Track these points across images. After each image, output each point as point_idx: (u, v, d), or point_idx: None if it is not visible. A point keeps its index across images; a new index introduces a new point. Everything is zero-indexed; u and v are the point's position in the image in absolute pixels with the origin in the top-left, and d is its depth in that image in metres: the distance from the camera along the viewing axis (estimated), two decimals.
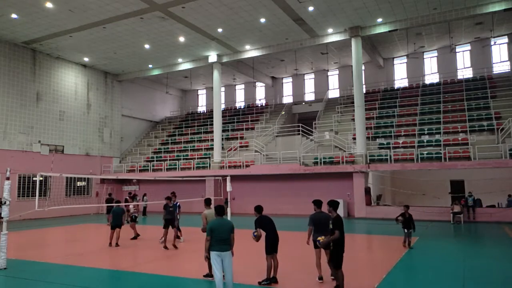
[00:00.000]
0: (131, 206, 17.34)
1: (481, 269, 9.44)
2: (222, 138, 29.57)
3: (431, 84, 29.23)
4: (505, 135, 21.05)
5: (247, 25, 23.23)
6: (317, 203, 8.11)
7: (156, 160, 31.22)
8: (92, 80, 31.12)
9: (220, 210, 6.93)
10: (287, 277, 8.40)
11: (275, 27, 23.57)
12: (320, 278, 7.99)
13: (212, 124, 30.11)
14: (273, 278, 7.95)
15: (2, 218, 16.97)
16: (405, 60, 30.96)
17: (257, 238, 7.85)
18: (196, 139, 32.63)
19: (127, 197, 23.20)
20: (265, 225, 7.98)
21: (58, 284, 8.32)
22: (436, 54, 30.13)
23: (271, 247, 7.95)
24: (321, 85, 34.15)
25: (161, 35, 24.60)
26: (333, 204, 7.34)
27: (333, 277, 7.78)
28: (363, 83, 25.24)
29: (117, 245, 13.31)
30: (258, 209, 8.24)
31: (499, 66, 28.38)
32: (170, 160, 30.59)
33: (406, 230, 12.01)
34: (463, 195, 21.77)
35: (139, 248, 13.16)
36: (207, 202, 9.45)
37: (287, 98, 35.91)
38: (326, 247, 7.33)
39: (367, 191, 22.74)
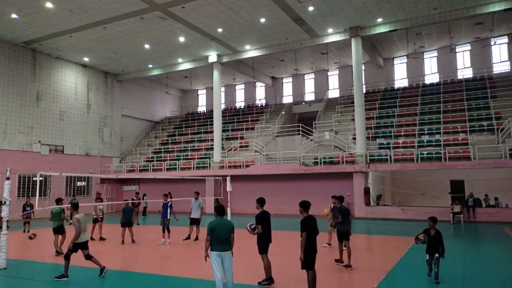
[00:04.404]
0: (98, 207, 15.02)
1: (481, 269, 9.45)
2: (222, 138, 29.56)
3: (431, 84, 29.24)
4: (505, 135, 21.04)
5: (247, 25, 23.23)
6: (340, 198, 10.33)
7: (156, 160, 31.23)
8: (92, 80, 31.12)
9: (220, 210, 6.91)
10: (288, 276, 8.40)
11: (275, 27, 23.57)
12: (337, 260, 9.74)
13: (212, 124, 30.12)
14: (271, 278, 7.95)
15: (30, 218, 17.11)
16: (405, 60, 30.96)
17: (254, 232, 7.75)
18: (196, 139, 32.63)
19: (134, 197, 23.25)
20: (265, 222, 7.91)
21: (58, 284, 8.32)
22: (436, 54, 30.13)
23: (266, 246, 7.92)
24: (321, 85, 34.16)
25: (161, 35, 24.60)
26: (304, 205, 7.06)
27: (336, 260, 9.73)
28: (363, 83, 25.24)
29: (133, 241, 13.87)
30: (261, 202, 8.07)
31: (499, 66, 28.39)
32: (170, 160, 30.59)
33: (428, 256, 8.29)
34: (463, 195, 21.77)
35: (139, 248, 13.17)
36: (75, 206, 9.11)
37: (287, 98, 35.91)
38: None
39: (367, 191, 22.74)
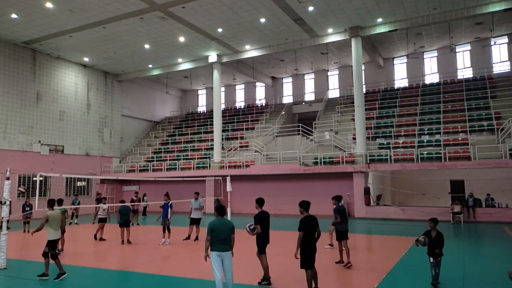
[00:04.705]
0: (103, 207, 15.17)
1: (481, 269, 9.45)
2: (222, 138, 29.56)
3: (431, 84, 29.24)
4: (505, 135, 21.04)
5: (247, 25, 23.23)
6: (338, 198, 10.01)
7: (156, 160, 31.22)
8: (92, 80, 31.12)
9: (221, 210, 6.91)
10: (288, 276, 8.40)
11: (275, 27, 23.56)
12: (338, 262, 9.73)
13: (212, 124, 30.11)
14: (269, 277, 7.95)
15: (30, 218, 17.09)
16: (405, 60, 30.96)
17: (253, 233, 7.74)
18: (196, 139, 32.63)
19: (133, 197, 23.18)
20: (264, 223, 7.90)
21: (58, 284, 8.32)
22: (436, 54, 30.13)
23: (265, 246, 7.92)
24: (321, 85, 34.16)
25: (161, 35, 24.60)
26: (304, 205, 7.13)
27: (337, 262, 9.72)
28: (363, 83, 25.24)
29: (129, 242, 13.78)
30: (260, 202, 8.08)
31: (499, 66, 28.39)
32: (170, 160, 30.59)
33: (432, 259, 7.64)
34: (463, 195, 21.77)
35: (139, 248, 13.17)
36: (51, 203, 9.26)
37: (287, 98, 35.91)
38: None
39: (367, 191, 22.74)
